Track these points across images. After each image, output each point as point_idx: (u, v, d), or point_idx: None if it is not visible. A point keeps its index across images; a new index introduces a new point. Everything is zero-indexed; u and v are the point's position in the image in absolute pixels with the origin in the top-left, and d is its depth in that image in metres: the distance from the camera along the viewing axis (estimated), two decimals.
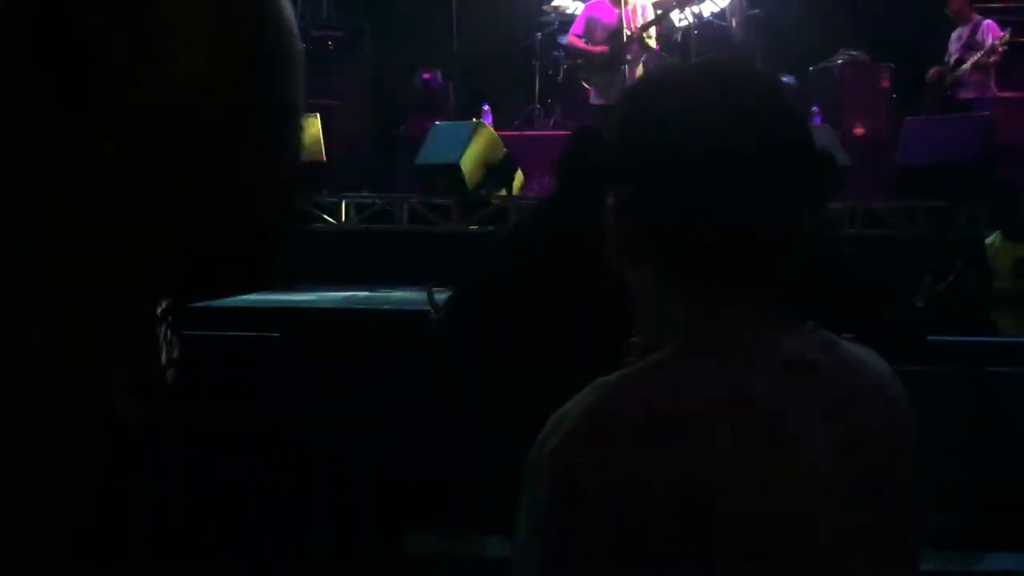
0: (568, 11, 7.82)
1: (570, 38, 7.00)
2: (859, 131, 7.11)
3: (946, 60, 6.98)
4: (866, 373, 0.86)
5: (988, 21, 6.86)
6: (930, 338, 3.94)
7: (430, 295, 2.96)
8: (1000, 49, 6.75)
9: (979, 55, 6.75)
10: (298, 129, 0.41)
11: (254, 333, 4.05)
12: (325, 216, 6.27)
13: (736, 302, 0.83)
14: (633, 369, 0.82)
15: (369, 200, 6.48)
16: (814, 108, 7.05)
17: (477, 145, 6.19)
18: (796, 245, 0.85)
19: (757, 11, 7.74)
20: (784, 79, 7.21)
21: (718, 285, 0.83)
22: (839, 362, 0.84)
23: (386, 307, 4.52)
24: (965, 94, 6.87)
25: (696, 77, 0.85)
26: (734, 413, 0.77)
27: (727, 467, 0.74)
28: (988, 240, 4.99)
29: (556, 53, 7.65)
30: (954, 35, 6.97)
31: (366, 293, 4.98)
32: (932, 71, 7.02)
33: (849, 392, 0.83)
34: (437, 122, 6.78)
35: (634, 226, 0.85)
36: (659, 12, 7.02)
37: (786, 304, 0.88)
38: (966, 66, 6.79)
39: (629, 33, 6.64)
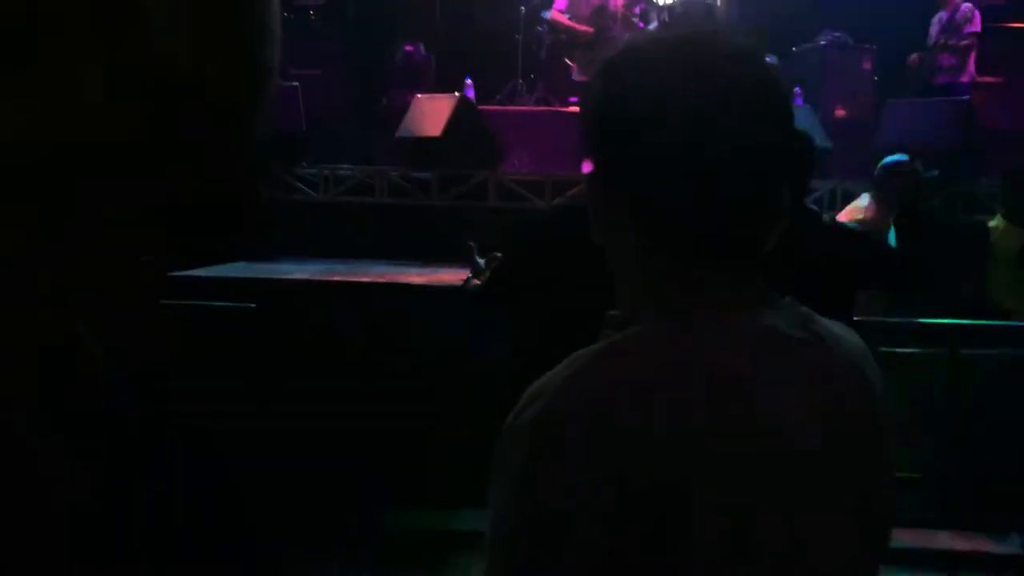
0: None
1: (554, 13, 6.96)
2: (840, 112, 7.13)
3: (928, 44, 7.01)
4: (842, 348, 0.86)
5: (966, 4, 6.89)
6: (906, 321, 3.98)
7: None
8: (967, 30, 6.78)
9: (947, 38, 6.79)
10: (273, 93, 0.41)
11: (231, 304, 4.03)
12: (304, 188, 6.22)
13: (714, 275, 0.83)
14: (611, 342, 0.82)
15: (349, 172, 6.44)
16: (796, 89, 7.06)
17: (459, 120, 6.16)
18: (775, 220, 0.85)
19: None
20: (766, 59, 7.21)
21: (696, 259, 0.83)
22: (816, 337, 0.84)
23: (364, 280, 4.50)
24: (944, 78, 6.90)
25: (676, 50, 0.84)
26: (710, 385, 0.77)
27: (703, 438, 0.75)
28: (991, 223, 4.99)
29: (540, 28, 7.61)
30: (935, 19, 7.00)
31: (344, 265, 4.97)
32: (913, 56, 7.05)
33: (825, 366, 0.84)
34: (418, 95, 6.73)
35: (612, 199, 0.85)
36: None
37: (770, 278, 0.88)
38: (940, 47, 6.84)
39: (613, 10, 6.61)
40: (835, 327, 0.89)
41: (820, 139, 6.12)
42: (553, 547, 0.73)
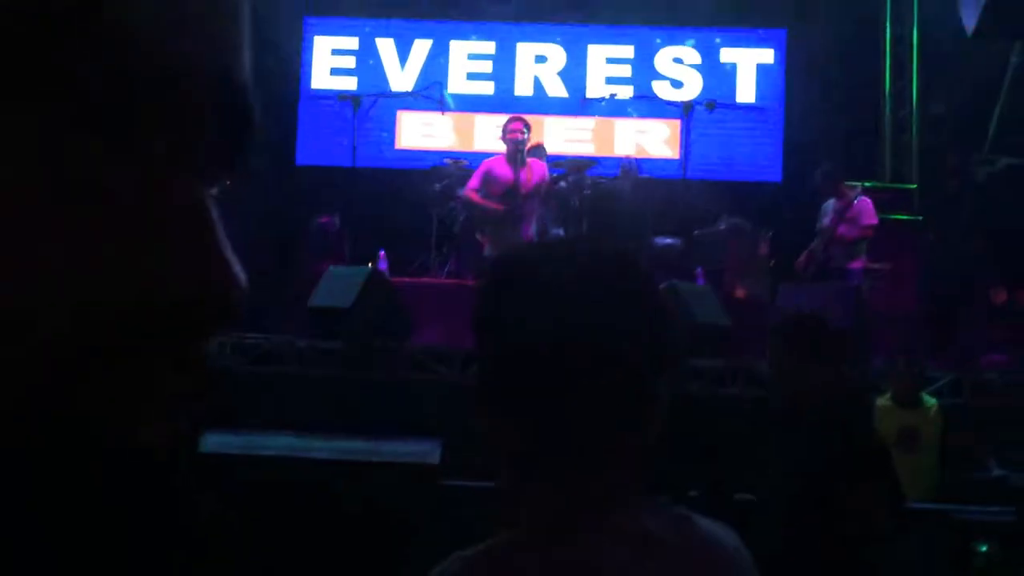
0: (465, 165, 8.08)
1: (467, 191, 7.20)
2: (740, 293, 7.42)
3: (818, 228, 7.42)
4: (717, 549, 0.89)
5: (863, 198, 7.33)
6: None
7: None
8: (864, 222, 7.24)
9: (846, 228, 7.22)
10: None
11: None
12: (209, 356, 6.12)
13: (587, 480, 0.86)
14: (486, 546, 0.83)
15: (255, 341, 6.38)
16: (698, 270, 7.36)
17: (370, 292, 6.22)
18: (649, 422, 0.89)
19: (647, 176, 8.18)
20: (669, 241, 7.55)
21: (569, 463, 0.86)
22: (690, 539, 0.86)
23: (265, 453, 4.40)
24: (838, 263, 7.28)
25: (550, 264, 0.89)
26: None
27: None
28: (878, 401, 5.16)
29: (452, 204, 7.84)
30: (827, 205, 7.43)
31: (244, 438, 4.85)
32: (801, 259, 7.42)
33: (699, 569, 0.85)
34: (331, 266, 6.80)
35: (493, 402, 0.88)
36: (554, 175, 7.33)
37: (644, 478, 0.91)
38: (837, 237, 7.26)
39: (524, 192, 6.88)
40: (712, 527, 0.91)
41: (720, 317, 6.35)
42: None
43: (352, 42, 10.01)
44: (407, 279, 7.44)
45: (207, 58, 0.32)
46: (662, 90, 9.64)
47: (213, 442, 4.62)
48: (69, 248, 0.29)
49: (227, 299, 0.34)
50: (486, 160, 7.27)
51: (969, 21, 6.52)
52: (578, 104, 9.31)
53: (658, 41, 9.80)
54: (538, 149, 7.68)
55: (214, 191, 0.35)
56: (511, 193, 6.90)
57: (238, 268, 0.35)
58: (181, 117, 0.32)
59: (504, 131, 7.00)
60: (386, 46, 9.93)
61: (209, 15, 0.33)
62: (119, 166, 0.31)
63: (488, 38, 9.95)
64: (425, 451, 4.54)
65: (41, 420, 0.29)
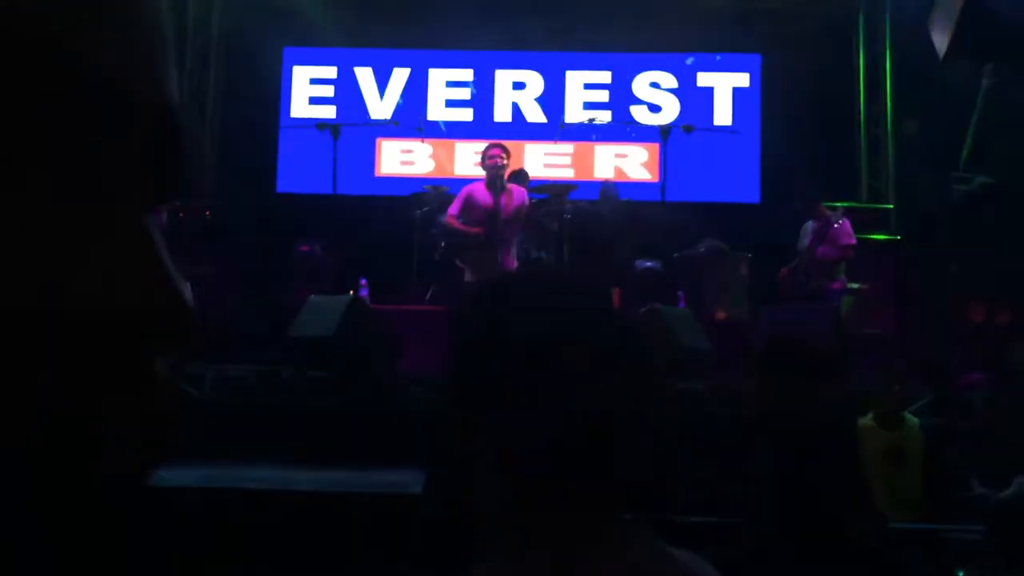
0: (446, 191, 8.10)
1: (448, 218, 7.22)
2: (720, 315, 7.45)
3: (798, 249, 7.47)
4: None
5: (844, 219, 7.38)
6: None
7: None
8: (843, 242, 7.30)
9: (825, 249, 7.27)
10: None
11: None
12: (188, 387, 6.10)
13: (571, 509, 0.87)
14: None
15: (238, 371, 6.35)
16: (679, 293, 7.39)
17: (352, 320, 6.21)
18: (634, 446, 0.90)
19: (627, 199, 8.22)
20: (649, 264, 7.59)
21: (551, 496, 0.87)
22: (671, 571, 0.87)
23: (248, 486, 4.37)
24: (818, 284, 7.32)
25: (531, 296, 0.91)
26: None
27: None
28: (861, 422, 5.18)
29: (434, 230, 7.86)
30: (806, 227, 7.48)
31: (225, 470, 4.82)
32: (783, 271, 7.48)
33: None
34: (312, 295, 6.78)
35: (470, 430, 0.89)
36: (534, 200, 7.35)
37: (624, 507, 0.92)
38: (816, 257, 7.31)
39: (504, 218, 6.90)
40: (690, 559, 0.92)
41: (701, 341, 6.38)
42: None
43: (331, 71, 10.06)
44: (389, 306, 7.43)
45: (142, 74, 0.32)
46: (640, 114, 9.72)
47: (196, 476, 4.59)
48: (69, 247, 0.30)
49: (189, 313, 0.34)
50: (466, 186, 7.30)
51: (940, 45, 6.62)
52: (556, 129, 9.38)
53: (645, 64, 9.89)
54: (520, 175, 7.72)
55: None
56: (491, 219, 6.92)
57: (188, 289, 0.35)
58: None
59: (484, 157, 7.03)
60: (365, 75, 9.98)
61: (136, 32, 0.33)
62: (119, 166, 0.31)
63: (467, 66, 10.02)
64: (408, 481, 4.52)
65: (41, 420, 0.30)
